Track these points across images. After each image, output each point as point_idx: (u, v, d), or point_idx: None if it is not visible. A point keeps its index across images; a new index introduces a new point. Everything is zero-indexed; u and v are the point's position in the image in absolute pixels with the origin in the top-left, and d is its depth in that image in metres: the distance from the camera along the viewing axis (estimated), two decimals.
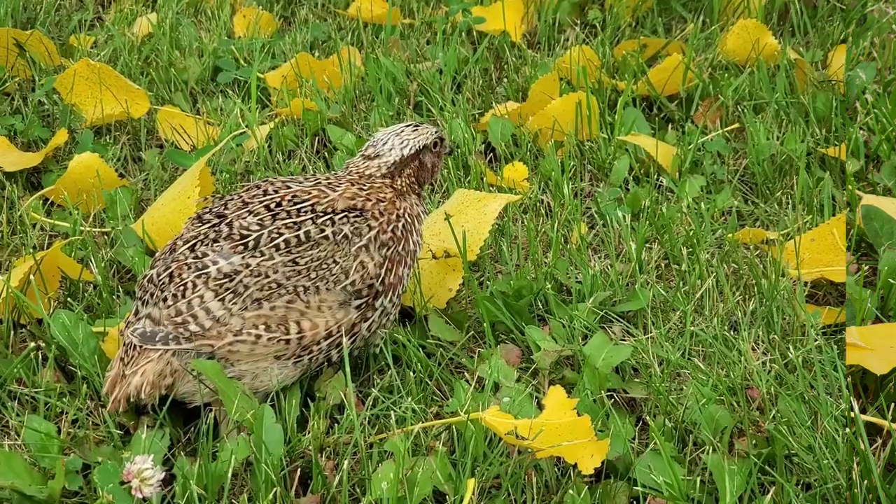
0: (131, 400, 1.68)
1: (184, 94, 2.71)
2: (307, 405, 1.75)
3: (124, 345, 1.70)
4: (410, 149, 1.84)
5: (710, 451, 1.66)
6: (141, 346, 1.68)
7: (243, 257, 1.67)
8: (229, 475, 1.57)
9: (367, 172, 1.82)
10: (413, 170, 1.85)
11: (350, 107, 2.63)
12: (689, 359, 1.86)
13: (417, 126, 1.88)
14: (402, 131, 1.86)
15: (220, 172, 2.36)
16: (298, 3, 3.20)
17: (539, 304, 2.01)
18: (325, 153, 2.49)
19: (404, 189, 1.83)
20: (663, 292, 2.02)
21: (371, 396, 1.77)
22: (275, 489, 1.57)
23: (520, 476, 1.62)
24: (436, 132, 1.88)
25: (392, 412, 1.73)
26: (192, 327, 1.66)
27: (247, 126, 2.50)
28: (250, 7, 3.08)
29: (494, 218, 2.02)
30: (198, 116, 2.57)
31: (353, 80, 2.68)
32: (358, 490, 1.65)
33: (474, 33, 2.97)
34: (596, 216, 2.28)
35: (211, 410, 1.69)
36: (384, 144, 1.84)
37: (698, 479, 1.62)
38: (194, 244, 1.70)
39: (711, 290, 2.02)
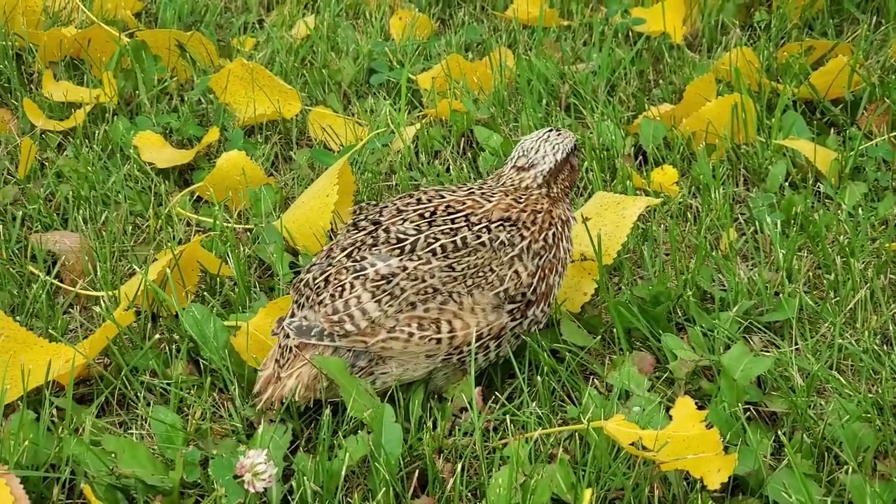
0: (284, 401, 1.68)
1: (336, 95, 2.72)
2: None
3: (279, 346, 1.71)
4: (563, 152, 1.80)
5: (851, 471, 1.56)
6: (297, 349, 1.68)
7: (401, 260, 1.66)
8: (342, 473, 1.55)
9: (524, 184, 1.77)
10: (566, 174, 1.81)
11: (500, 108, 2.59)
12: (833, 373, 1.75)
13: (559, 130, 1.83)
14: (549, 136, 1.81)
15: (363, 172, 2.36)
16: (456, 5, 3.18)
17: (679, 311, 1.93)
18: (471, 154, 2.46)
19: (559, 196, 1.79)
20: (812, 303, 1.91)
21: (497, 401, 1.72)
22: (390, 489, 1.55)
23: (643, 488, 1.56)
24: (573, 134, 1.84)
25: (515, 417, 1.68)
26: (348, 326, 1.65)
27: (394, 126, 2.49)
28: (408, 9, 3.08)
29: (633, 221, 1.95)
30: (348, 117, 2.58)
31: (503, 81, 2.64)
32: (478, 494, 1.61)
33: (633, 35, 2.90)
34: (745, 223, 2.19)
35: (329, 406, 1.67)
36: (536, 153, 1.80)
37: (837, 501, 1.52)
38: (352, 251, 1.69)
39: (865, 301, 1.90)
